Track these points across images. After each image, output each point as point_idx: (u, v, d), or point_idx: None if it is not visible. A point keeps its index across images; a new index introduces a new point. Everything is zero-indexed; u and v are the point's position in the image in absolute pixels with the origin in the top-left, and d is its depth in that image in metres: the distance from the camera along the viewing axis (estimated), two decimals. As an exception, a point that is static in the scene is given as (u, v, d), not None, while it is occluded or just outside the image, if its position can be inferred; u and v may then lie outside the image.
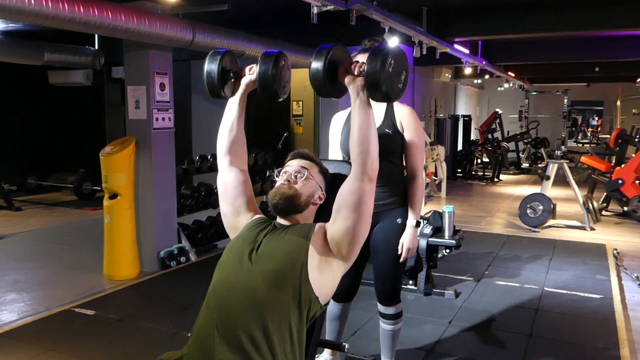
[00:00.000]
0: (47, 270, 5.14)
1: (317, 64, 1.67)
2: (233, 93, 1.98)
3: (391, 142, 2.68)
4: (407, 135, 2.70)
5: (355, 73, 1.68)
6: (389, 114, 2.70)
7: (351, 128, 1.72)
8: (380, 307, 2.84)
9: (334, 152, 2.85)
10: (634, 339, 3.66)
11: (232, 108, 1.99)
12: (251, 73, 1.94)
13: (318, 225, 1.82)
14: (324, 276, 1.74)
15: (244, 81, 1.95)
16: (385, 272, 2.75)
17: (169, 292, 4.59)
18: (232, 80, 1.96)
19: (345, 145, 2.78)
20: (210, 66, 1.90)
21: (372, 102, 2.73)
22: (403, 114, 2.71)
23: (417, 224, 2.69)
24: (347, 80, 1.70)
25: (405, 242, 2.66)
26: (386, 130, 2.68)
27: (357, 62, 1.69)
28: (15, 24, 6.38)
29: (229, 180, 1.98)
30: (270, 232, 1.84)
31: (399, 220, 2.69)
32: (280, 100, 1.89)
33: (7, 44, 6.45)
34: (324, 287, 1.74)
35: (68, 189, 9.04)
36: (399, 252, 2.66)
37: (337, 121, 2.88)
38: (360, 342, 3.48)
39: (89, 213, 7.86)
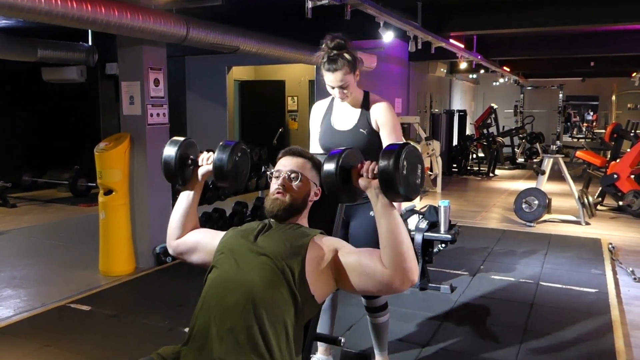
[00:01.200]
0: (42, 266, 5.13)
1: (329, 169, 1.65)
2: (189, 181, 2.01)
3: (367, 142, 2.65)
4: (383, 133, 2.66)
5: (370, 176, 1.63)
6: (365, 114, 2.67)
7: (379, 233, 1.64)
8: (364, 301, 2.84)
9: (315, 143, 2.82)
10: (629, 333, 3.67)
11: (186, 198, 2.02)
12: (208, 162, 1.96)
13: (323, 237, 1.80)
14: (320, 282, 1.73)
15: (201, 171, 1.98)
16: None
17: (165, 288, 4.59)
18: (190, 167, 1.99)
19: (324, 140, 2.75)
20: (168, 153, 1.94)
21: (345, 103, 2.71)
22: (378, 111, 2.67)
23: None
24: (362, 184, 1.66)
25: None
26: (361, 130, 2.66)
27: (369, 163, 1.64)
28: (8, 20, 6.36)
29: (190, 244, 2.01)
30: (266, 231, 1.84)
31: (371, 213, 2.67)
32: (238, 187, 1.99)
33: (0, 41, 6.42)
34: (320, 289, 1.74)
35: (63, 185, 9.01)
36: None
37: (317, 112, 2.84)
38: (356, 336, 3.48)
39: (84, 209, 7.85)
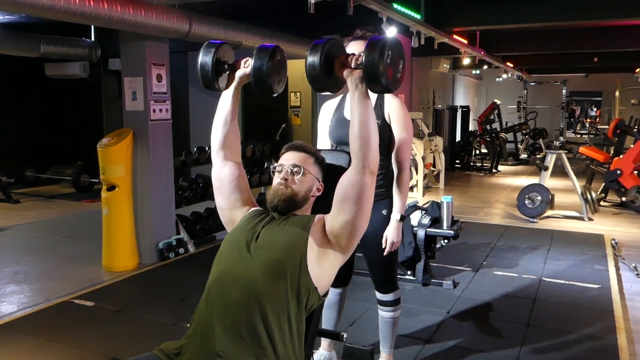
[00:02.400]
0: (46, 262, 5.14)
1: (312, 59, 1.65)
2: (227, 86, 1.93)
3: (379, 134, 2.66)
4: (395, 128, 2.68)
5: (353, 66, 1.66)
6: (379, 104, 2.69)
7: (351, 121, 1.70)
8: (378, 295, 2.85)
9: (323, 140, 2.84)
10: (632, 328, 3.67)
11: (226, 101, 1.95)
12: (246, 66, 1.88)
13: (317, 217, 1.82)
14: (323, 267, 1.74)
15: (239, 74, 1.90)
16: (378, 262, 2.76)
17: (168, 284, 4.60)
18: (227, 72, 1.92)
19: (334, 133, 2.77)
20: (204, 58, 1.86)
21: None
22: (392, 105, 2.70)
23: (402, 218, 2.69)
24: (345, 73, 1.68)
25: (389, 235, 2.66)
26: (375, 120, 2.67)
27: (354, 54, 1.67)
28: (11, 16, 6.35)
29: (224, 174, 1.97)
30: (269, 223, 1.84)
31: (384, 212, 2.69)
32: (275, 95, 1.86)
33: (3, 36, 6.43)
34: (323, 278, 1.75)
35: (66, 181, 9.03)
36: (383, 247, 2.66)
37: (327, 109, 2.87)
38: (359, 332, 3.49)
39: (87, 205, 7.86)
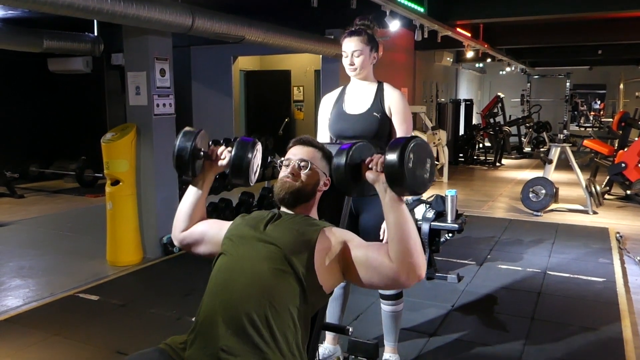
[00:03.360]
0: (50, 256, 5.16)
1: (339, 163, 1.64)
2: (200, 174, 1.97)
3: (379, 126, 2.67)
4: (395, 121, 2.68)
5: (379, 170, 1.61)
6: (379, 97, 2.69)
7: (387, 226, 1.63)
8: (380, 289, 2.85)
9: (323, 134, 2.84)
10: (637, 322, 3.66)
11: (197, 191, 1.99)
12: (222, 158, 1.93)
13: (332, 229, 1.78)
14: (328, 273, 1.72)
15: (220, 163, 1.94)
16: None
17: (172, 278, 4.61)
18: (202, 160, 1.95)
19: (334, 127, 2.77)
20: (183, 143, 1.88)
21: (362, 86, 2.74)
22: (392, 98, 2.69)
23: None
24: (370, 177, 1.64)
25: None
26: (374, 113, 2.67)
27: (378, 157, 1.62)
28: (14, 11, 6.36)
29: (196, 236, 1.99)
30: (275, 220, 1.83)
31: None
32: (251, 185, 1.94)
33: (5, 31, 6.42)
34: (328, 280, 1.74)
35: (70, 176, 9.05)
36: (381, 238, 2.66)
37: (327, 102, 2.86)
38: (363, 326, 3.49)
39: (91, 200, 7.88)
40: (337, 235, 1.76)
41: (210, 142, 2.01)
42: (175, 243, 2.05)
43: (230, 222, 1.93)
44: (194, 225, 2.01)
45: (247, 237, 1.78)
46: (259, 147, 1.93)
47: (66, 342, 3.35)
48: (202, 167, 1.98)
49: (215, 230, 1.96)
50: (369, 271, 1.67)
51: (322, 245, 1.72)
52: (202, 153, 1.92)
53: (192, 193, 2.00)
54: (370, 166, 1.64)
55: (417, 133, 9.07)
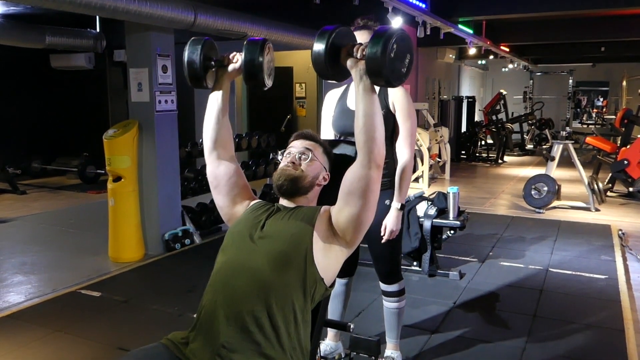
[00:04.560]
0: (52, 252, 5.16)
1: (319, 46, 1.62)
2: (216, 83, 1.91)
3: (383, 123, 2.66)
4: (399, 118, 2.67)
5: (358, 56, 1.62)
6: (382, 94, 2.68)
7: (356, 114, 1.66)
8: (383, 286, 2.85)
9: (326, 130, 2.83)
10: (639, 319, 3.66)
11: (216, 100, 1.92)
12: (235, 61, 1.87)
13: (323, 208, 1.81)
14: (328, 259, 1.74)
15: (230, 69, 1.88)
16: (382, 253, 2.76)
17: (174, 274, 4.61)
18: (214, 69, 1.89)
19: (338, 123, 2.76)
20: (191, 55, 1.81)
21: None
22: (396, 95, 2.68)
23: (402, 207, 2.67)
24: (349, 63, 1.65)
25: (389, 224, 2.64)
26: (380, 113, 2.66)
27: (360, 44, 1.63)
28: (16, 7, 6.34)
29: (220, 173, 1.96)
30: (274, 214, 1.83)
31: (387, 202, 2.67)
32: (266, 89, 1.86)
33: (8, 28, 6.42)
34: (329, 269, 1.74)
35: (72, 172, 9.06)
36: (382, 234, 2.65)
37: (331, 99, 2.86)
38: (365, 322, 3.50)
39: (93, 196, 7.89)
40: (326, 211, 1.79)
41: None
42: (206, 153, 1.99)
43: (244, 205, 1.95)
44: (226, 159, 1.96)
45: (246, 234, 1.78)
46: (270, 46, 1.84)
47: (68, 338, 3.35)
48: (215, 76, 1.91)
49: (240, 198, 1.97)
50: (350, 200, 1.70)
51: (319, 231, 1.74)
52: (213, 62, 1.87)
53: (213, 103, 1.94)
54: (351, 52, 1.64)
55: (419, 130, 9.06)
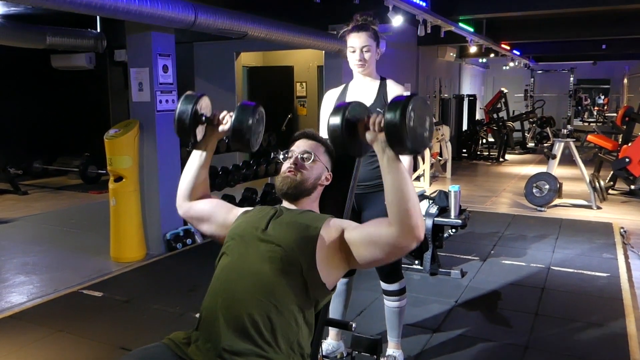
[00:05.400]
0: (54, 253, 5.17)
1: (334, 122, 1.58)
2: (202, 140, 1.92)
3: None
4: None
5: (376, 129, 1.57)
6: (382, 93, 2.68)
7: (385, 188, 1.59)
8: (384, 285, 2.85)
9: (325, 129, 2.82)
10: (641, 317, 3.66)
11: (199, 158, 1.94)
12: (224, 123, 1.87)
13: (332, 221, 1.77)
14: (330, 267, 1.72)
15: (220, 129, 1.89)
16: None
17: (175, 274, 4.62)
18: (204, 125, 1.90)
19: None
20: (183, 107, 1.82)
21: (365, 82, 2.73)
22: (396, 94, 2.68)
23: None
24: (369, 137, 1.59)
25: None
26: (377, 109, 2.66)
27: (375, 115, 1.58)
28: (17, 7, 6.35)
29: (202, 212, 1.95)
30: (277, 217, 1.82)
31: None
32: (253, 151, 1.87)
33: (9, 28, 6.42)
34: (330, 275, 1.73)
35: (73, 172, 9.06)
36: None
37: (329, 98, 2.86)
38: (366, 321, 3.50)
39: (94, 196, 7.89)
40: (335, 226, 1.74)
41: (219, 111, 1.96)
42: (179, 211, 2.00)
43: (238, 210, 1.92)
44: (201, 200, 1.97)
45: (248, 237, 1.76)
46: (262, 111, 1.86)
47: (70, 338, 3.36)
48: (204, 132, 1.92)
49: (223, 212, 1.94)
50: (369, 247, 1.65)
51: (324, 241, 1.71)
52: (204, 118, 1.87)
53: (195, 159, 1.95)
54: (368, 125, 1.60)
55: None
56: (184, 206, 1.98)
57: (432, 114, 1.59)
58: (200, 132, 1.90)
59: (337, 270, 1.75)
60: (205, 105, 1.90)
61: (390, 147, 1.53)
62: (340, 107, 1.60)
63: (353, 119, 1.60)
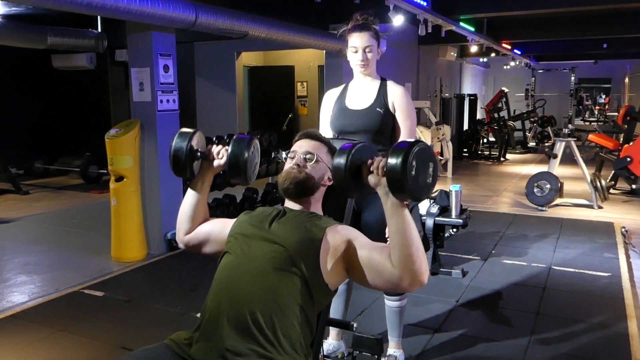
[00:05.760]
0: (55, 252, 5.17)
1: (339, 163, 1.59)
2: (199, 175, 1.94)
3: (382, 122, 2.65)
4: (399, 117, 2.66)
5: (380, 174, 1.57)
6: (382, 93, 2.67)
7: (389, 233, 1.60)
8: None
9: (325, 129, 2.82)
10: (642, 316, 3.66)
11: (196, 194, 1.96)
12: (220, 157, 1.88)
13: (339, 227, 1.77)
14: (332, 270, 1.71)
15: (215, 164, 1.90)
16: None
17: (176, 274, 4.62)
18: (199, 160, 1.91)
19: (336, 122, 2.75)
20: (179, 144, 1.84)
21: (365, 82, 2.73)
22: (396, 94, 2.67)
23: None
24: (372, 180, 1.60)
25: None
26: (377, 109, 2.66)
27: (379, 159, 1.58)
28: (18, 7, 6.36)
29: (200, 238, 1.97)
30: (280, 217, 1.82)
31: None
32: (250, 184, 1.89)
33: (10, 28, 6.43)
34: (333, 277, 1.73)
35: (74, 172, 9.07)
36: (386, 236, 2.62)
37: (329, 98, 2.85)
38: (367, 321, 3.49)
39: (95, 196, 7.90)
40: (342, 233, 1.73)
41: (214, 144, 1.98)
42: (180, 246, 2.03)
43: (234, 220, 1.92)
44: (197, 227, 1.99)
45: (251, 236, 1.76)
46: (257, 143, 1.89)
47: (71, 338, 3.36)
48: (200, 168, 1.94)
49: (219, 229, 1.94)
50: (372, 273, 1.65)
51: (327, 245, 1.70)
52: (199, 153, 1.89)
53: (191, 195, 1.97)
54: (371, 169, 1.60)
55: (420, 128, 9.06)
56: (185, 240, 2.01)
57: (435, 159, 1.58)
58: (196, 167, 1.92)
59: (339, 275, 1.74)
60: (199, 141, 1.91)
61: (392, 194, 1.54)
62: (345, 150, 1.61)
63: (358, 161, 1.61)
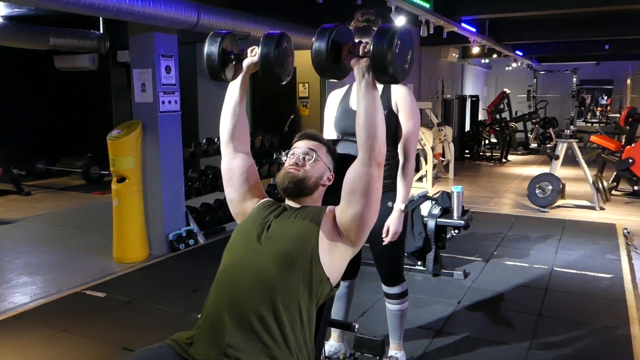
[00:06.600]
0: (57, 253, 5.18)
1: (319, 44, 1.61)
2: (234, 76, 1.91)
3: (385, 123, 2.64)
4: (402, 117, 2.64)
5: (360, 54, 1.62)
6: (385, 94, 2.65)
7: (357, 112, 1.66)
8: (385, 288, 2.83)
9: (328, 130, 2.82)
10: (644, 318, 3.65)
11: (234, 92, 1.93)
12: (253, 55, 1.86)
13: (328, 208, 1.81)
14: (334, 258, 1.74)
15: (246, 63, 1.87)
16: (384, 254, 2.74)
17: (178, 275, 4.62)
18: (234, 62, 1.89)
19: (340, 124, 2.75)
20: (210, 48, 1.82)
21: None
22: (399, 95, 2.66)
23: (405, 208, 2.65)
24: (352, 61, 1.64)
25: (391, 225, 2.60)
26: (382, 111, 2.65)
27: (362, 42, 1.63)
28: (20, 9, 6.37)
29: (234, 166, 1.95)
30: (280, 214, 1.83)
31: (389, 204, 2.62)
32: (284, 83, 1.84)
33: (12, 29, 6.44)
34: (334, 269, 1.75)
35: (76, 173, 9.08)
36: (385, 235, 2.62)
37: (333, 99, 2.85)
38: (369, 323, 3.49)
39: (97, 197, 7.90)
40: (331, 211, 1.79)
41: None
42: (222, 144, 1.98)
43: (257, 202, 1.93)
44: (241, 152, 1.95)
45: (252, 234, 1.78)
46: (289, 41, 1.84)
47: (73, 339, 3.36)
48: (235, 70, 1.91)
49: (252, 194, 1.95)
50: (352, 199, 1.69)
51: (325, 231, 1.73)
52: (232, 55, 1.87)
53: (232, 94, 1.94)
54: (353, 50, 1.64)
55: (422, 129, 9.05)
56: (228, 151, 1.96)
57: (414, 47, 1.63)
58: (230, 70, 1.89)
59: (341, 260, 1.76)
60: (232, 43, 1.89)
61: (373, 72, 1.60)
62: (327, 29, 1.63)
63: (338, 41, 1.64)
